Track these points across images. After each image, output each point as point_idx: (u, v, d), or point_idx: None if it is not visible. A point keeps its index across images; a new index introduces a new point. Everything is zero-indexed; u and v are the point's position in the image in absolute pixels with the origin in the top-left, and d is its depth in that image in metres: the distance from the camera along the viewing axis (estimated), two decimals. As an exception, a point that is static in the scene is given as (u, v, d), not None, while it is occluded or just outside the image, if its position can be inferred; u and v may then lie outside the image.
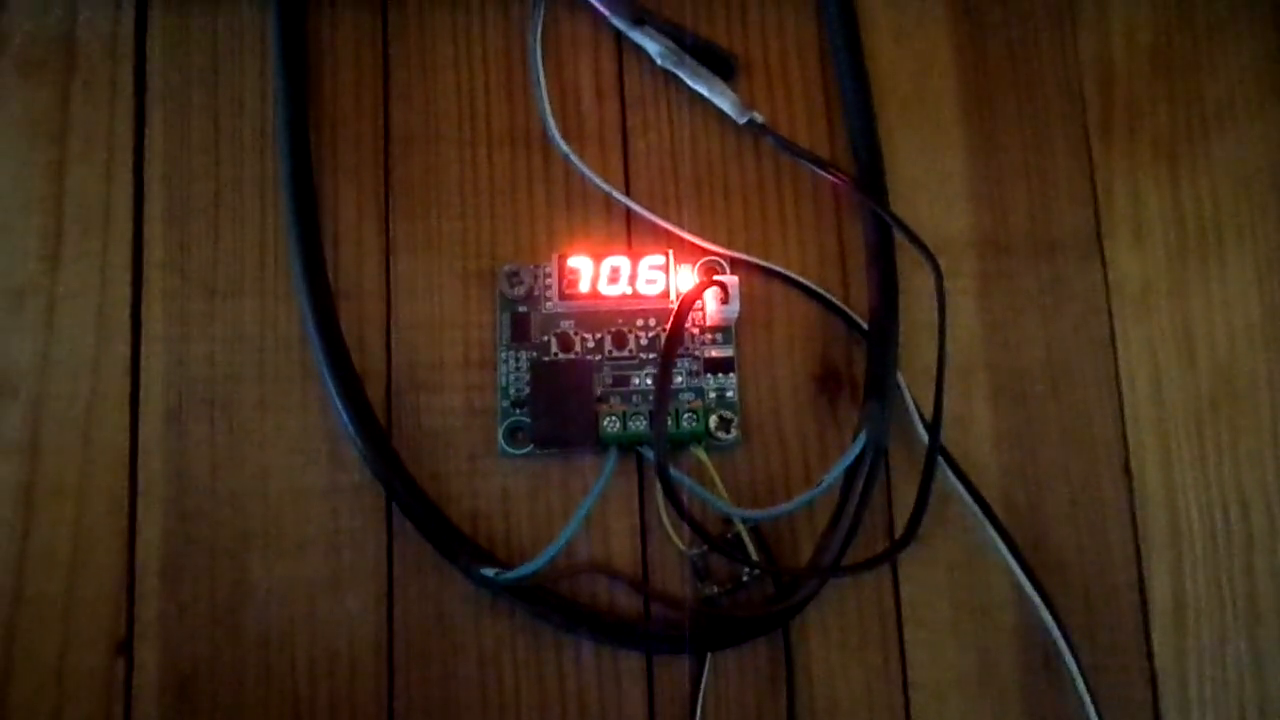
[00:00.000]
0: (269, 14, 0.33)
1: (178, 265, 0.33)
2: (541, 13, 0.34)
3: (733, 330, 0.32)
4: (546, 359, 0.31)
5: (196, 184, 0.33)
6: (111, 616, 0.30)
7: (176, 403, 0.32)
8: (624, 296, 0.31)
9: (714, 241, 0.33)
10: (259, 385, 0.32)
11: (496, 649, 0.30)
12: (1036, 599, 0.30)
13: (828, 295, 0.33)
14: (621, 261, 0.31)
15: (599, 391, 0.31)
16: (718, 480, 0.31)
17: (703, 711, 0.30)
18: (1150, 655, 0.31)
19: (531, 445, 0.31)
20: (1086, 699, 0.29)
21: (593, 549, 0.31)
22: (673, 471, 0.29)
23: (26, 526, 0.31)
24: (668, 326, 0.30)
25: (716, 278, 0.31)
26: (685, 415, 0.30)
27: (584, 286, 0.31)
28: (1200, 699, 0.31)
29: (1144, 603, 0.32)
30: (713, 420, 0.31)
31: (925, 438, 0.31)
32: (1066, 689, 0.30)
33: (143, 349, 0.32)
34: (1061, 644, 0.30)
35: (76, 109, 0.33)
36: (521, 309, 0.32)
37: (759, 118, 0.33)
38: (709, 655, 0.30)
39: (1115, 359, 0.33)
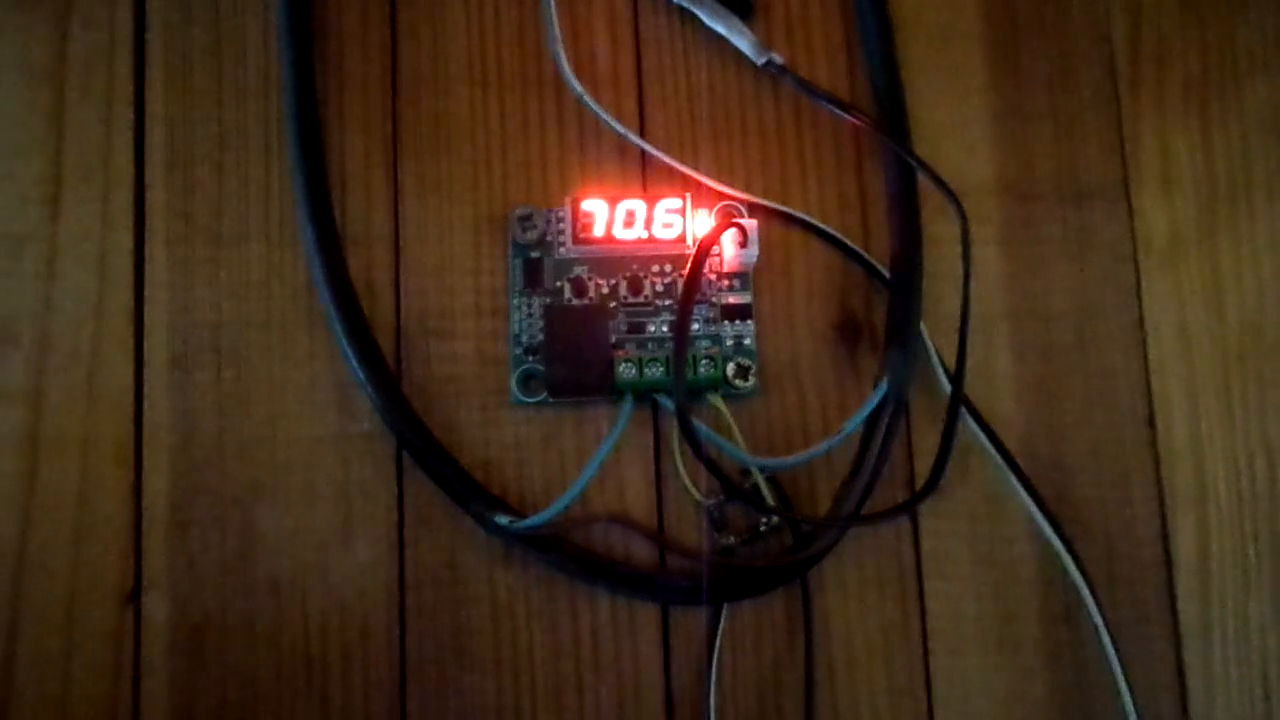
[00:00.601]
0: (272, -51, 0.32)
1: (181, 211, 0.32)
2: (554, -50, 0.33)
3: (750, 276, 0.31)
4: (560, 305, 0.31)
5: (199, 127, 0.32)
6: (119, 566, 0.30)
7: (182, 350, 0.31)
8: (640, 241, 0.31)
9: (731, 186, 0.32)
10: (266, 333, 0.31)
11: (509, 599, 0.30)
12: (1061, 548, 0.29)
13: (848, 242, 0.32)
14: (637, 205, 0.30)
15: (614, 338, 0.30)
16: (735, 429, 0.30)
17: (719, 663, 0.30)
18: (1174, 609, 0.31)
19: (545, 393, 0.30)
20: (1110, 650, 0.29)
21: (607, 499, 0.30)
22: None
23: (31, 476, 0.30)
24: (685, 271, 0.29)
25: (735, 221, 0.30)
26: (703, 362, 0.30)
27: (598, 231, 0.30)
28: (1224, 653, 0.31)
29: (1168, 556, 0.31)
30: (730, 368, 0.30)
31: (947, 388, 0.30)
32: (1088, 642, 0.30)
33: (146, 296, 0.31)
34: (1086, 595, 0.29)
35: (75, 49, 0.32)
36: (534, 254, 0.31)
37: (778, 59, 0.32)
38: (725, 606, 0.30)
39: (1141, 310, 0.33)
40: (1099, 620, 0.29)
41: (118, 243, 0.32)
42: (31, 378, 0.31)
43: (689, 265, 0.29)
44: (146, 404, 0.31)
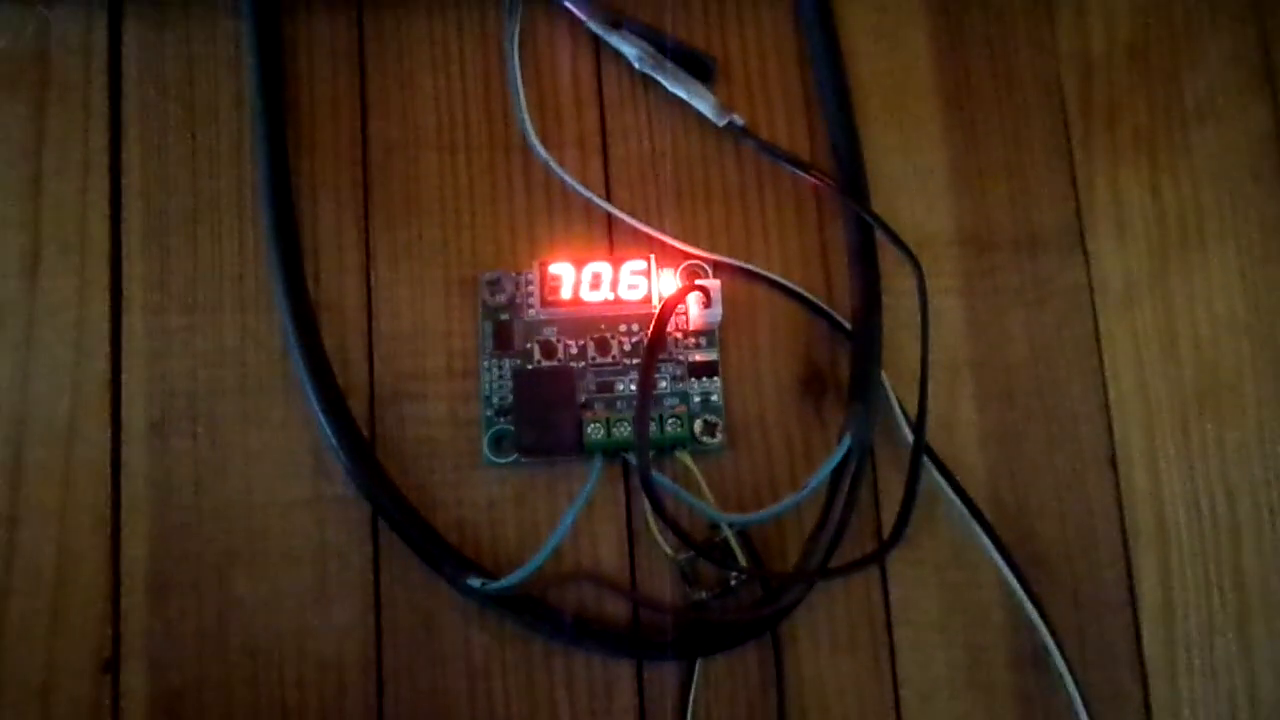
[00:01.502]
0: (243, 24, 0.33)
1: (157, 280, 0.32)
2: (519, 19, 0.34)
3: (716, 334, 0.32)
4: (530, 366, 0.31)
5: (174, 198, 0.33)
6: (97, 635, 0.30)
7: (159, 418, 0.32)
8: (606, 303, 0.31)
9: (696, 245, 0.33)
10: (241, 399, 0.32)
11: (486, 659, 0.30)
12: (1023, 596, 0.30)
13: (811, 297, 0.33)
14: (603, 267, 0.31)
15: (583, 398, 0.31)
16: (704, 485, 0.31)
17: (693, 717, 0.30)
18: (1140, 650, 0.31)
19: (516, 454, 0.31)
20: (1075, 696, 0.29)
21: (581, 557, 0.31)
22: (658, 477, 0.29)
23: (10, 546, 0.30)
24: (649, 331, 0.30)
25: (698, 282, 0.31)
26: (669, 420, 0.30)
27: (566, 293, 0.31)
28: (1190, 693, 0.31)
29: (1132, 598, 0.32)
30: (697, 425, 0.31)
31: (910, 437, 0.31)
32: (1057, 685, 0.30)
33: (124, 364, 0.32)
34: (1049, 642, 0.30)
35: (52, 124, 0.33)
36: (504, 317, 0.32)
37: (739, 120, 0.33)
38: (699, 661, 0.30)
39: (1100, 355, 0.33)
40: (1062, 665, 0.30)
41: (95, 313, 0.32)
42: (10, 447, 0.31)
43: (650, 331, 0.29)
44: (124, 471, 0.31)
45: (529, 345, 0.31)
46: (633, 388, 0.31)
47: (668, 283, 0.32)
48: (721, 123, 0.33)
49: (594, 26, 0.34)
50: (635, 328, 0.32)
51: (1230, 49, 0.36)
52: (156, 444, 0.31)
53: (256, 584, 0.31)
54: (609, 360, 0.31)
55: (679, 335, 0.32)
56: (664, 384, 0.31)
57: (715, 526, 0.31)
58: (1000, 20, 0.35)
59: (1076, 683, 0.30)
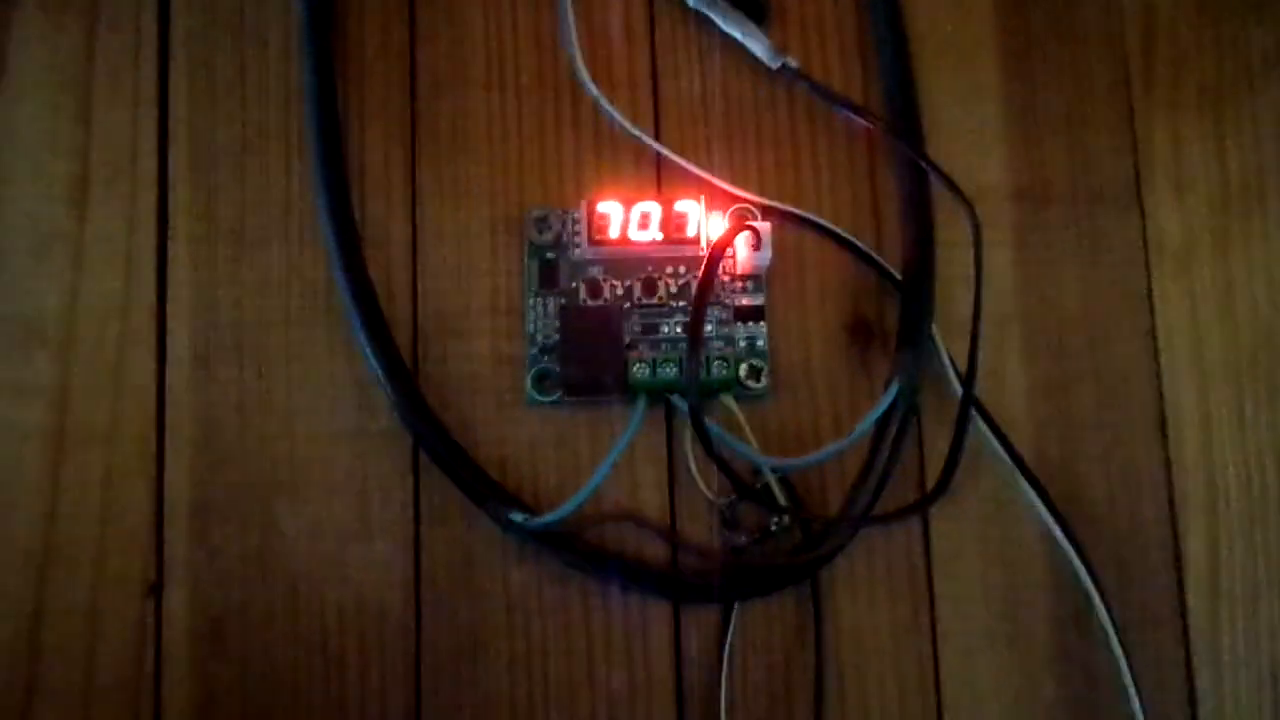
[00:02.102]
0: (294, -45, 0.33)
1: (204, 211, 0.32)
2: (571, -45, 0.33)
3: (764, 278, 0.32)
4: (575, 305, 0.31)
5: (222, 129, 0.33)
6: (142, 560, 0.30)
7: (204, 348, 0.32)
8: (654, 243, 0.31)
9: (746, 188, 0.32)
10: (286, 331, 0.32)
11: (524, 595, 0.30)
12: (1071, 552, 0.30)
13: (860, 245, 0.32)
14: (652, 207, 0.31)
15: (628, 338, 0.31)
16: (747, 429, 0.30)
17: (730, 661, 0.30)
18: (1184, 613, 0.31)
19: (559, 392, 0.30)
20: (1120, 655, 0.29)
21: (621, 498, 0.31)
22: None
23: (56, 471, 0.31)
24: (700, 273, 0.30)
25: (749, 223, 0.31)
26: (716, 363, 0.30)
27: (613, 232, 0.31)
28: (1233, 657, 0.31)
29: (1178, 560, 0.31)
30: (743, 369, 0.31)
31: (959, 390, 0.30)
32: (1098, 645, 0.30)
33: (170, 295, 0.32)
34: (1096, 598, 0.29)
35: (101, 52, 0.33)
36: (550, 255, 0.31)
37: (792, 62, 0.32)
38: (736, 605, 0.30)
39: (1153, 314, 0.33)
40: (1108, 623, 0.29)
41: (142, 242, 0.32)
42: (57, 374, 0.31)
43: (702, 268, 0.29)
44: (169, 400, 0.31)
45: (575, 284, 0.31)
46: (678, 330, 0.31)
47: (716, 225, 0.31)
48: (775, 65, 0.32)
49: (648, -36, 0.33)
50: (683, 269, 0.31)
51: (1300, 3, 0.34)
52: (201, 374, 0.31)
53: (298, 515, 0.31)
54: (655, 301, 0.31)
55: (726, 279, 0.31)
56: (710, 327, 0.31)
57: (757, 471, 0.30)
58: (1065, -32, 0.34)
59: (1121, 642, 0.29)
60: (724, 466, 0.28)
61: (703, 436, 0.28)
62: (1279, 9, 0.34)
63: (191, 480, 0.31)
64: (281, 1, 0.33)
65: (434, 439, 0.30)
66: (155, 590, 0.30)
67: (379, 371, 0.30)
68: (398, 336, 0.31)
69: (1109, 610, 0.29)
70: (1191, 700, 0.30)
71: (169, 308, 0.32)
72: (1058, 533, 0.30)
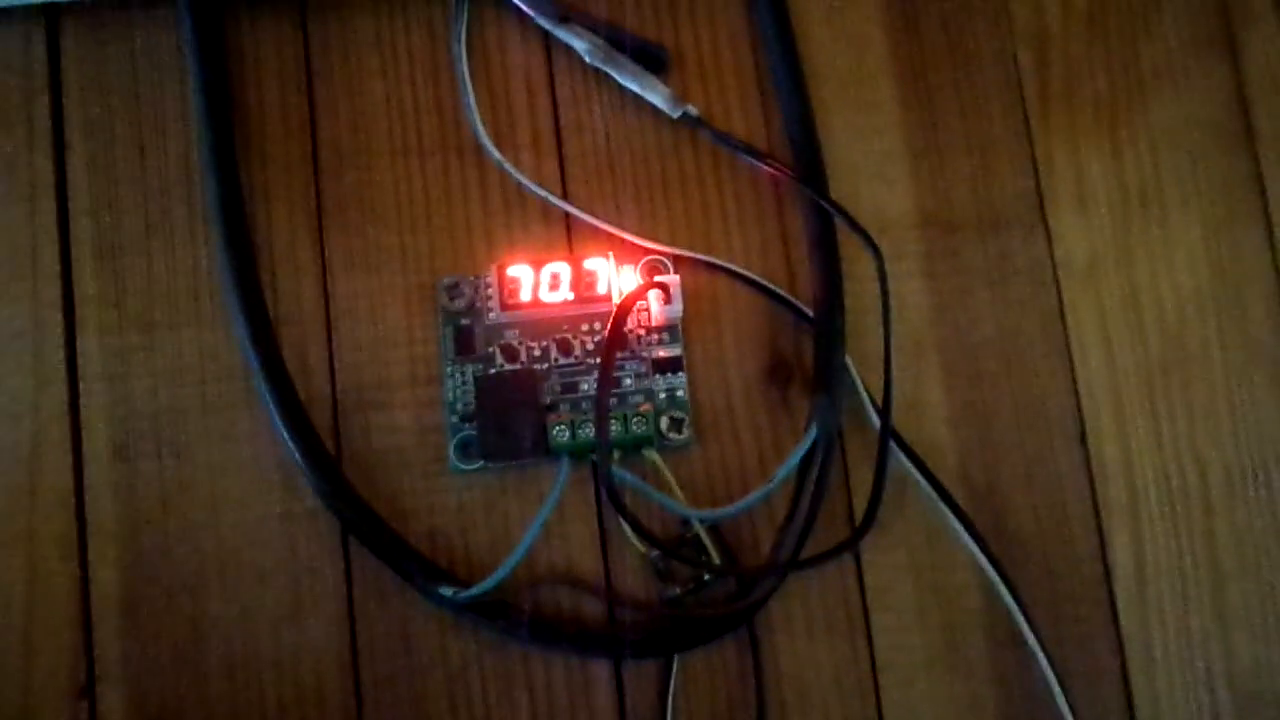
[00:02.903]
0: (185, 36, 0.32)
1: (112, 299, 0.32)
2: (465, 16, 0.33)
3: (679, 329, 0.32)
4: (492, 371, 0.31)
5: (125, 215, 0.32)
6: (72, 661, 0.30)
7: (122, 440, 0.31)
8: (567, 303, 0.31)
9: (655, 240, 0.32)
10: (204, 417, 0.31)
11: (464, 666, 0.30)
12: (995, 576, 0.30)
13: (773, 287, 0.32)
14: (561, 267, 0.31)
15: (548, 400, 0.31)
16: (673, 481, 0.30)
17: (673, 713, 0.30)
18: (1116, 623, 0.31)
19: (482, 460, 0.30)
20: (1049, 674, 0.30)
21: (554, 558, 0.31)
22: (626, 476, 0.29)
23: (-22, 576, 0.30)
24: (606, 333, 0.30)
25: (656, 279, 0.31)
26: (634, 419, 0.30)
27: (525, 295, 0.31)
28: (1166, 663, 0.31)
29: (1106, 572, 0.32)
30: (664, 421, 0.31)
31: (879, 423, 0.31)
32: (1034, 663, 0.30)
33: (82, 388, 0.32)
34: (1021, 622, 0.30)
35: (-6, 148, 0.33)
36: (464, 321, 0.31)
37: (693, 111, 0.33)
38: (676, 656, 0.30)
39: (1065, 330, 0.33)
40: (1036, 645, 0.30)
41: (49, 337, 0.32)
42: (-29, 479, 0.31)
43: (607, 332, 0.29)
44: (89, 496, 0.31)
45: (491, 349, 0.31)
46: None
47: (628, 279, 0.31)
48: (676, 114, 0.33)
49: (542, 21, 0.33)
50: (597, 326, 0.31)
51: (1187, 14, 0.35)
52: (121, 467, 0.31)
53: (230, 603, 0.30)
54: (572, 360, 0.31)
55: (642, 331, 0.31)
56: (628, 381, 0.31)
57: (686, 522, 0.30)
58: (954, -2, 0.35)
59: (1050, 660, 0.30)
60: (640, 530, 0.28)
61: (616, 504, 0.28)
62: (1166, 23, 0.35)
63: (118, 576, 0.30)
64: (177, 84, 0.33)
65: (359, 520, 0.30)
66: (87, 692, 0.30)
67: (299, 456, 0.30)
68: (317, 413, 0.31)
69: (1035, 631, 0.30)
70: (1130, 707, 0.31)
71: (81, 402, 0.31)
72: (983, 560, 0.30)
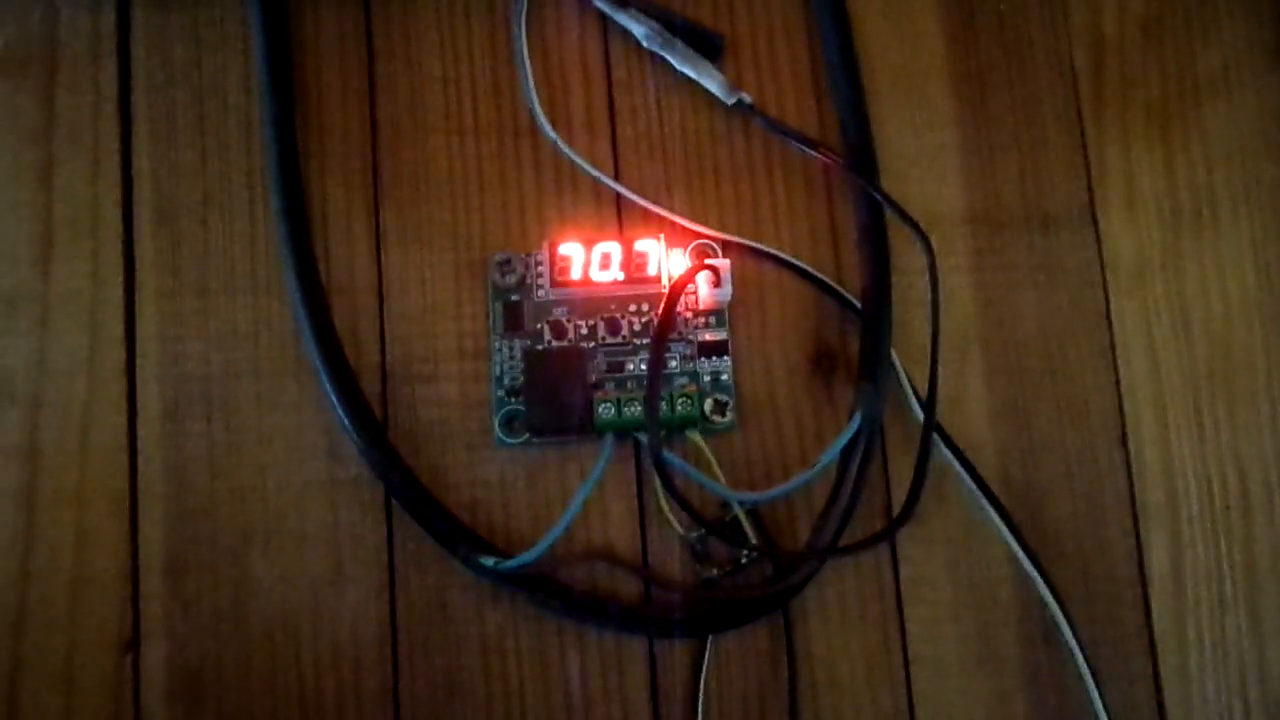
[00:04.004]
0: (250, 9, 0.33)
1: (169, 264, 0.33)
2: (525, -1, 0.34)
3: (726, 313, 0.32)
4: (540, 347, 0.31)
5: (184, 182, 0.33)
6: (117, 617, 0.31)
7: (173, 402, 0.32)
8: (616, 282, 0.31)
9: (705, 224, 0.33)
10: (255, 382, 0.32)
11: (499, 637, 0.31)
12: (1033, 572, 0.30)
13: (820, 275, 0.33)
14: (612, 247, 0.31)
15: (593, 378, 0.31)
16: (715, 464, 0.31)
17: (705, 693, 0.30)
18: (1150, 627, 0.31)
19: (527, 434, 0.31)
20: (1085, 671, 0.30)
21: (592, 535, 0.31)
22: (669, 456, 0.29)
23: (29, 530, 0.31)
24: (659, 312, 0.30)
25: (707, 262, 0.31)
26: (680, 400, 0.30)
27: (575, 273, 0.31)
28: (1200, 669, 0.31)
29: (1142, 574, 0.32)
30: (708, 404, 0.31)
31: (920, 415, 0.31)
32: (1067, 662, 0.30)
33: (137, 349, 0.32)
34: (1060, 619, 0.30)
35: (61, 110, 0.33)
36: (514, 298, 0.32)
37: (747, 98, 0.33)
38: (710, 638, 0.30)
39: (1110, 332, 0.33)
40: (1073, 642, 0.30)
41: (108, 298, 0.32)
42: (27, 434, 0.31)
43: (661, 310, 0.29)
44: (140, 456, 0.31)
45: (539, 325, 0.32)
46: (643, 367, 0.31)
47: (677, 262, 0.32)
48: (730, 101, 0.33)
49: (601, 4, 0.33)
50: (645, 307, 0.32)
51: (1244, 23, 0.35)
52: (171, 428, 0.32)
53: (272, 565, 0.31)
54: (619, 340, 0.31)
55: (689, 315, 0.32)
56: (674, 363, 0.31)
57: (726, 505, 0.31)
58: (1012, -4, 0.35)
59: (1086, 659, 0.30)
60: (686, 506, 0.29)
61: (665, 482, 0.28)
62: (1222, 31, 0.35)
63: (165, 536, 0.31)
64: (240, 53, 0.34)
65: (404, 486, 0.30)
66: (131, 647, 0.30)
67: (347, 421, 0.30)
68: (366, 383, 0.32)
69: (1073, 628, 0.30)
70: (1161, 713, 0.31)
71: (137, 362, 0.32)
72: (1021, 554, 0.30)
